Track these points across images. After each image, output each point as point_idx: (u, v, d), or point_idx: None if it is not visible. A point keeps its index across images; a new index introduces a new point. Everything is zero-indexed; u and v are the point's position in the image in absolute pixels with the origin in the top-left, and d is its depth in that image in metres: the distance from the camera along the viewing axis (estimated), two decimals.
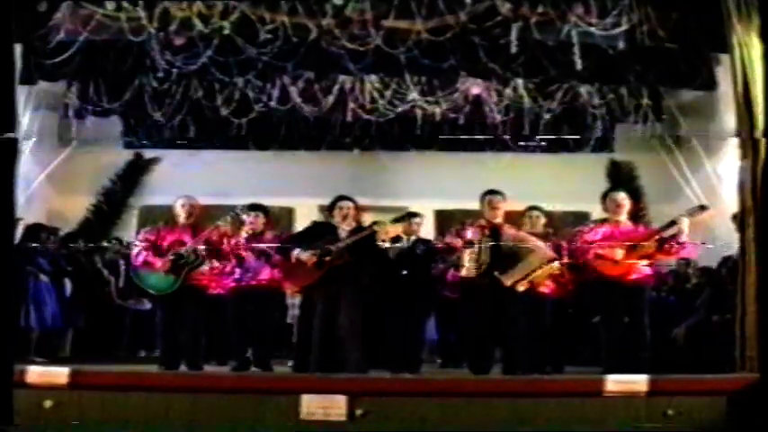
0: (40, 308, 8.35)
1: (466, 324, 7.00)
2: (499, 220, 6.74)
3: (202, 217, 6.99)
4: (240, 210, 7.10)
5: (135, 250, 6.93)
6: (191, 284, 6.75)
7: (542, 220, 7.39)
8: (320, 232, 6.71)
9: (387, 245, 7.21)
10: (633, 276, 6.87)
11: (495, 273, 6.51)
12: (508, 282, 6.51)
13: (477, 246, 6.57)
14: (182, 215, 6.89)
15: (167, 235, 6.84)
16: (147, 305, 9.74)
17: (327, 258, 6.45)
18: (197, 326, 6.87)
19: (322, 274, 6.47)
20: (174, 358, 6.84)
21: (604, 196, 7.07)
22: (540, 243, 6.73)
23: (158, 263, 6.70)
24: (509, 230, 6.67)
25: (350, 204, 6.73)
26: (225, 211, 7.08)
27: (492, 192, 6.83)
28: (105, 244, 10.44)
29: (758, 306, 6.13)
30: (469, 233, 6.67)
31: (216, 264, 6.91)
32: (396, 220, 6.79)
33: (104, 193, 12.07)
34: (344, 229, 6.66)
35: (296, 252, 6.50)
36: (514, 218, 7.12)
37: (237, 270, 7.27)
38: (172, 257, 6.67)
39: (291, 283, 7.00)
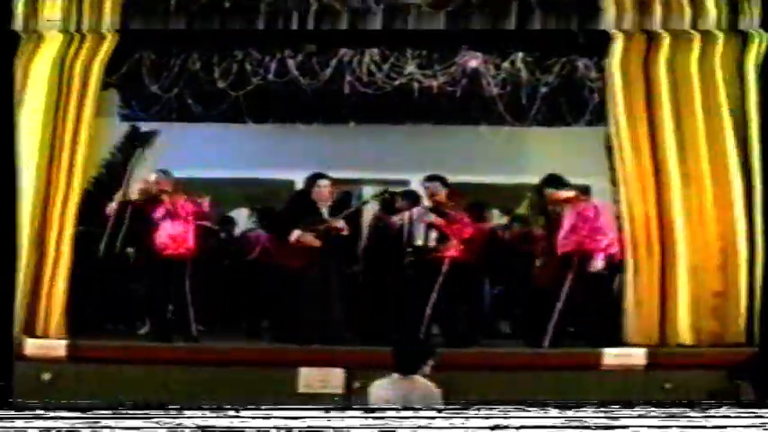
0: None
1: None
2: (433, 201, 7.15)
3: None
4: None
5: None
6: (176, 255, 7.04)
7: (443, 191, 7.28)
8: (302, 209, 6.83)
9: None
10: None
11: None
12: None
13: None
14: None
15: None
16: None
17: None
18: (183, 295, 7.06)
19: (317, 253, 6.66)
20: (166, 329, 6.98)
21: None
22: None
23: None
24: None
25: (328, 183, 6.99)
26: (221, 184, 7.17)
27: (428, 178, 7.26)
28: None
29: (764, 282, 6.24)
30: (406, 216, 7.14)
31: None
32: (375, 196, 7.26)
33: (105, 165, 11.99)
34: (324, 205, 6.90)
35: (296, 234, 6.58)
36: (504, 194, 7.22)
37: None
38: None
39: (288, 264, 6.94)
